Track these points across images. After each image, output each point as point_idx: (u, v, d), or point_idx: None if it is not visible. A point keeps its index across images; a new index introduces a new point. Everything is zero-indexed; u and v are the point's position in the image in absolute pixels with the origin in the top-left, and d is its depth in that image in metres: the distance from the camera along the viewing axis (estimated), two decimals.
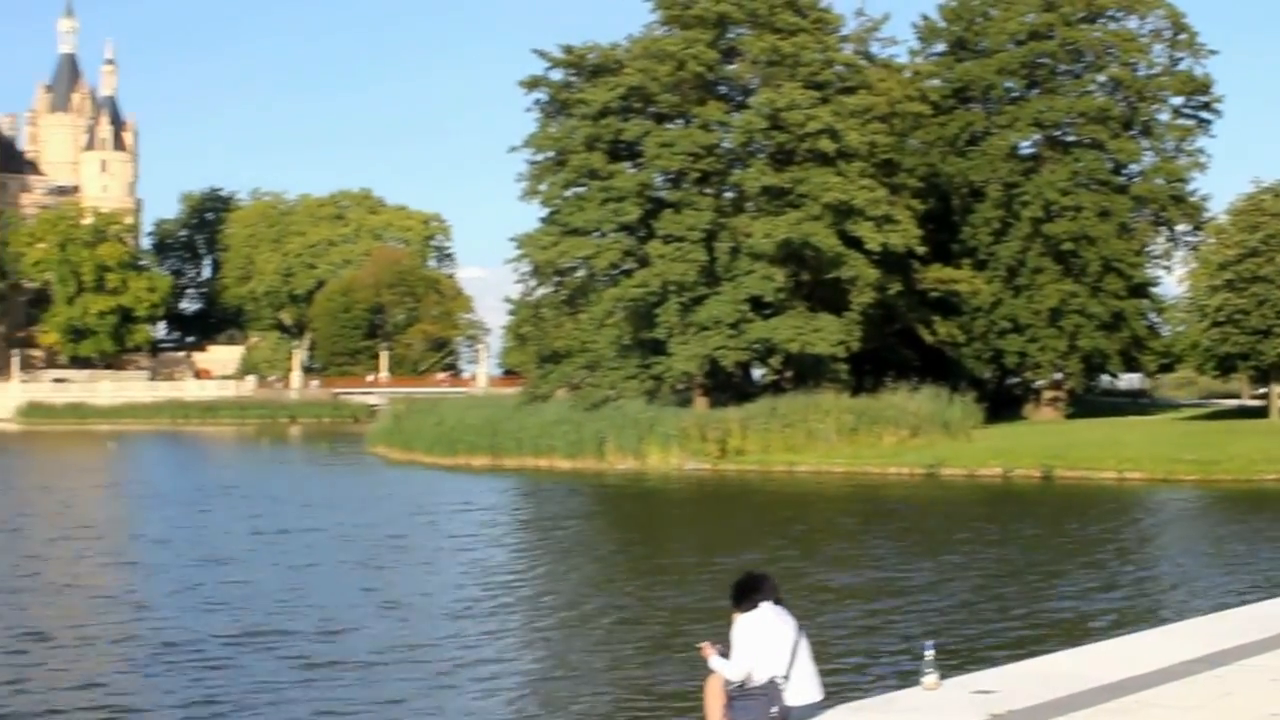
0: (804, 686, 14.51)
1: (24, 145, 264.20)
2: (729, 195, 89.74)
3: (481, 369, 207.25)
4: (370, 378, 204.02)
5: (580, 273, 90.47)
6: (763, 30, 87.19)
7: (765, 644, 14.45)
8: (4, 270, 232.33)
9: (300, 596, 35.90)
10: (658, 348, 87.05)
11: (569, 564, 44.11)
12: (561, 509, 63.70)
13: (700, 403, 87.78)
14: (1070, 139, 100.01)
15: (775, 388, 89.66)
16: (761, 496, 66.50)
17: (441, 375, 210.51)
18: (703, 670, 14.87)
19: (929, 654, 15.49)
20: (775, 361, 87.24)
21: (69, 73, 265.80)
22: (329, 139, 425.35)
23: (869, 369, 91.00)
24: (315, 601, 35.00)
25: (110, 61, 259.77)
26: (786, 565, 39.16)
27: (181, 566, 41.88)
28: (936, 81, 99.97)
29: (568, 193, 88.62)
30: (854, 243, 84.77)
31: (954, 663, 21.97)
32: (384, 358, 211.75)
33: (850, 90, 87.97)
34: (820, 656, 15.22)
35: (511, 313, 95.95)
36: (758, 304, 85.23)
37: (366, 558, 43.73)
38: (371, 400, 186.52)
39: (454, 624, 32.00)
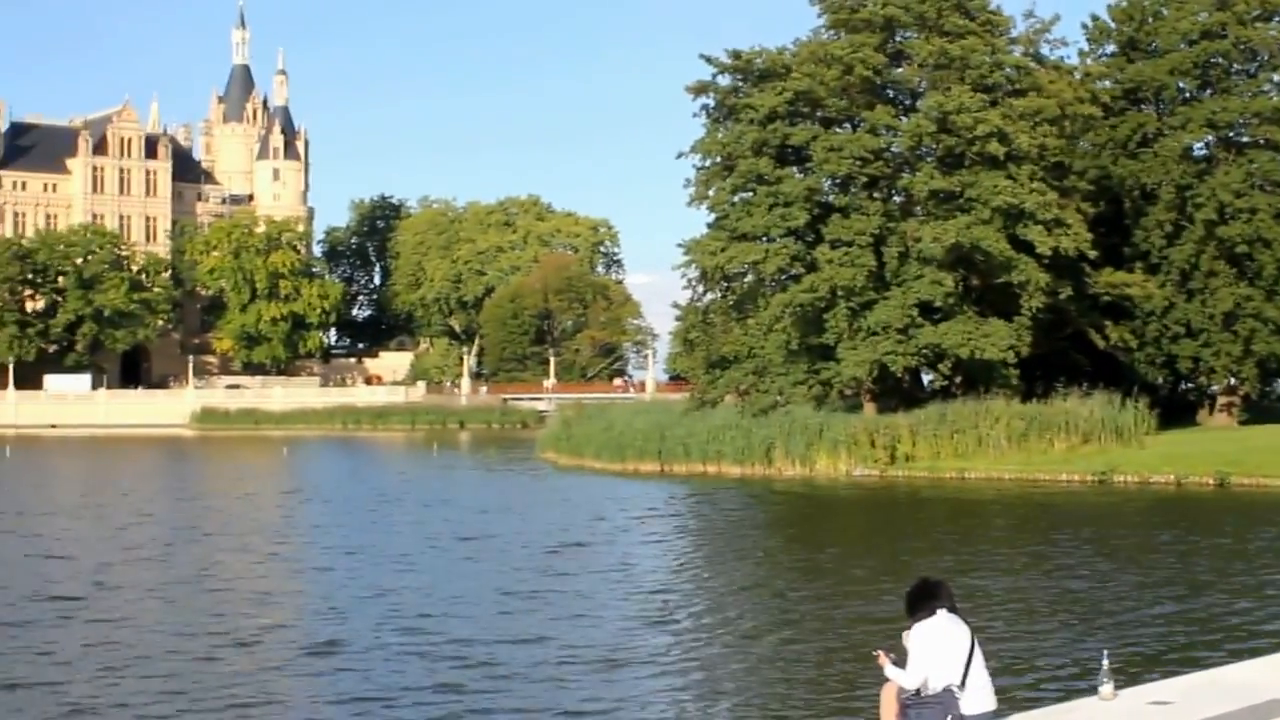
0: (979, 695, 14.43)
1: (199, 155, 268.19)
2: (897, 200, 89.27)
3: (649, 375, 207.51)
4: (550, 383, 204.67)
5: (748, 278, 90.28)
6: (931, 33, 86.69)
7: (940, 652, 14.38)
8: (179, 278, 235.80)
9: (487, 603, 36.04)
10: (826, 353, 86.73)
11: (743, 570, 44.02)
12: (733, 516, 63.58)
13: (869, 408, 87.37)
14: (1245, 140, 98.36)
15: (945, 393, 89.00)
16: (932, 503, 66.11)
17: (618, 382, 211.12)
18: (878, 678, 14.84)
19: (1105, 663, 15.35)
20: (945, 367, 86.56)
21: (242, 83, 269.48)
22: (498, 146, 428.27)
23: (1039, 374, 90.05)
24: (503, 609, 35.17)
25: (282, 71, 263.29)
26: (958, 572, 38.90)
27: (367, 573, 42.20)
28: (1107, 83, 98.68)
29: (735, 198, 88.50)
30: (1024, 247, 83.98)
31: (1133, 671, 21.78)
32: (552, 364, 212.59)
33: (1020, 93, 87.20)
34: (993, 665, 15.14)
35: (679, 318, 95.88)
36: (927, 309, 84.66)
37: (549, 565, 43.83)
38: (540, 406, 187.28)
39: (642, 631, 32.07)
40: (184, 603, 36.69)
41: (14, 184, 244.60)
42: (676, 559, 47.59)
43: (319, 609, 35.74)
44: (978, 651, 14.53)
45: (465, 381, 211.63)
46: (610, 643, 30.28)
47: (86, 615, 34.16)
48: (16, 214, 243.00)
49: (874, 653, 14.97)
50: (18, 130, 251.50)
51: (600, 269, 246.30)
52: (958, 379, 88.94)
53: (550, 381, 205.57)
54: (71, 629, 32.24)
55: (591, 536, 52.68)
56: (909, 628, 14.59)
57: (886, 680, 14.67)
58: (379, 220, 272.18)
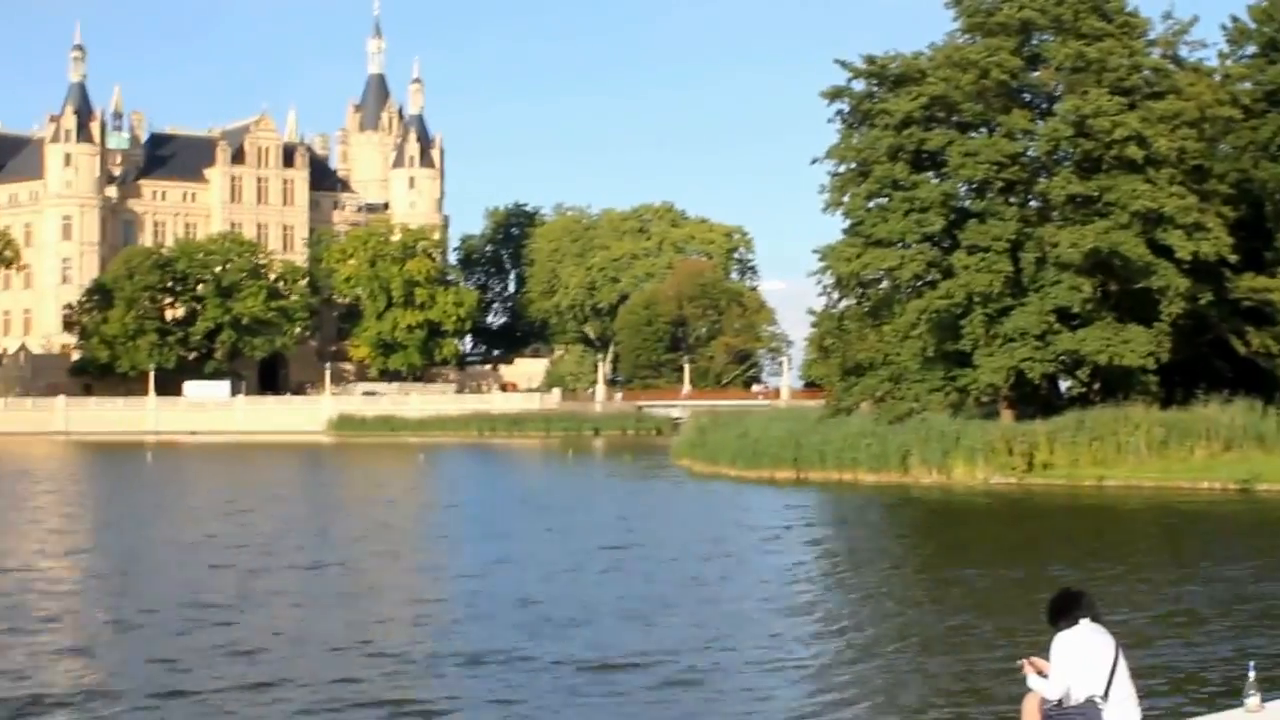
0: (1122, 706, 14.25)
1: (335, 164, 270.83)
2: (1034, 204, 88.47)
3: (784, 381, 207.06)
4: (684, 390, 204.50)
5: (884, 284, 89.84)
6: (1067, 36, 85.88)
7: (1083, 662, 14.21)
8: (316, 286, 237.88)
9: (635, 612, 35.99)
10: (963, 360, 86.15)
11: (883, 580, 43.74)
12: (872, 525, 63.44)
13: (1006, 416, 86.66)
14: None
15: (1083, 400, 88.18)
16: (1071, 511, 65.53)
17: (758, 388, 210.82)
18: (1021, 688, 14.66)
19: (1252, 675, 15.10)
20: (1083, 373, 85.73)
21: (378, 92, 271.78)
22: (632, 153, 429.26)
23: (1179, 381, 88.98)
24: (660, 618, 35.11)
25: (417, 80, 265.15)
26: (1101, 581, 38.49)
27: (513, 581, 42.16)
28: (1247, 84, 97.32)
29: (870, 204, 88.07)
30: (1163, 251, 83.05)
31: None
32: (686, 370, 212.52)
33: (1158, 95, 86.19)
34: (1138, 675, 14.91)
35: (814, 325, 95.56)
36: (1064, 315, 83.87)
37: (695, 574, 43.67)
38: (674, 413, 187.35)
39: (786, 642, 31.92)
40: (331, 611, 36.84)
41: (154, 194, 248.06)
42: (817, 568, 47.38)
43: (467, 617, 35.75)
44: (1121, 662, 14.35)
45: (600, 388, 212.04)
46: (757, 654, 30.16)
47: (235, 624, 34.37)
48: (156, 223, 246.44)
49: (1018, 662, 14.82)
50: (157, 141, 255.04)
51: (735, 275, 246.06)
52: (1096, 385, 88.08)
53: (685, 388, 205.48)
54: (220, 637, 32.44)
55: (734, 545, 52.51)
56: (1052, 638, 14.44)
57: (1029, 691, 14.51)
58: (513, 228, 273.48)
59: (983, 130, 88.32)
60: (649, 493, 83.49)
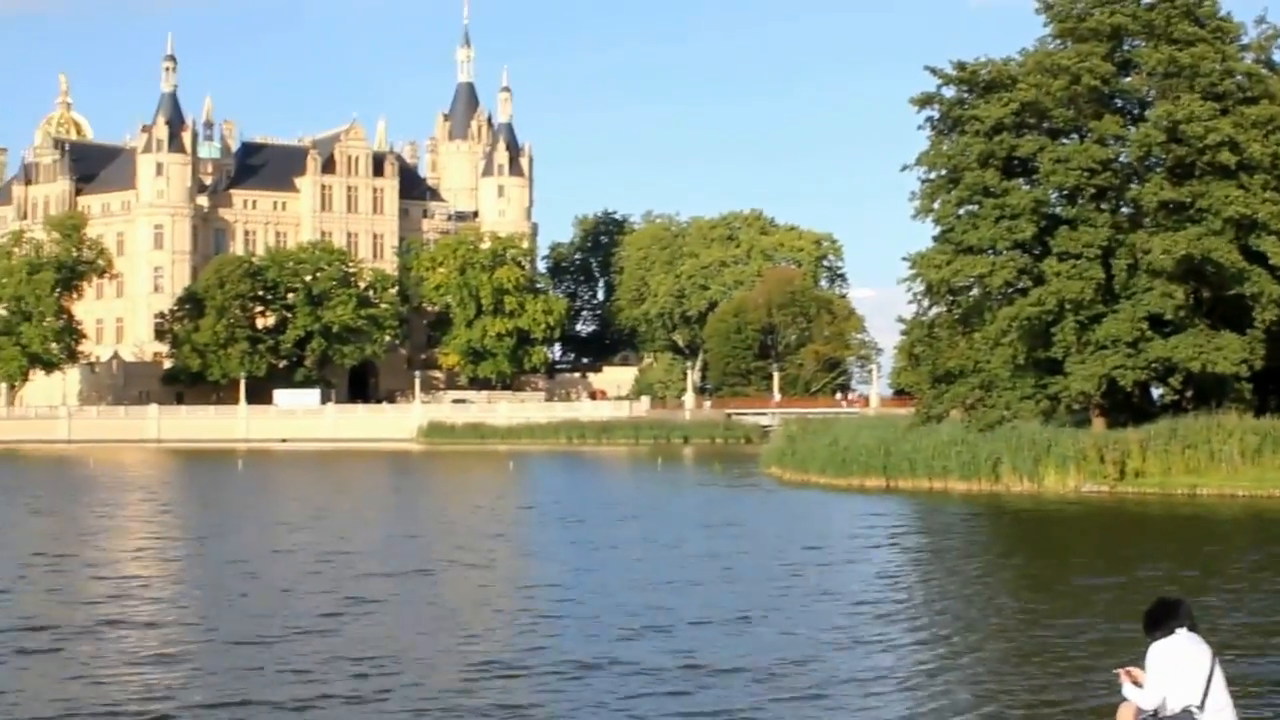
0: (1219, 716, 14.09)
1: (425, 172, 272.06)
2: (1126, 211, 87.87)
3: (873, 389, 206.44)
4: (774, 398, 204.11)
5: (974, 292, 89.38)
6: (1159, 41, 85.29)
7: (1179, 672, 14.06)
8: (406, 294, 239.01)
9: (738, 622, 35.80)
10: (1054, 367, 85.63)
11: (978, 590, 43.38)
12: (964, 534, 62.93)
13: (1098, 423, 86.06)
14: None
15: (1175, 408, 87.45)
16: (1164, 520, 64.96)
17: (852, 396, 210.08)
18: (1116, 697, 14.52)
19: None
20: (1175, 381, 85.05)
21: (467, 101, 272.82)
22: (720, 160, 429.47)
23: (1273, 389, 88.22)
24: (755, 628, 34.97)
25: (506, 89, 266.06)
26: (1197, 591, 38.11)
27: (612, 591, 42.05)
28: None
29: (961, 211, 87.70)
30: (1257, 258, 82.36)
31: None
32: (775, 378, 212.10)
33: (1251, 100, 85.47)
34: (1235, 685, 14.74)
35: (904, 333, 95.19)
36: (1157, 322, 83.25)
37: (792, 583, 43.48)
38: (763, 421, 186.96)
39: (880, 653, 31.77)
40: (429, 620, 36.80)
41: (245, 203, 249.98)
42: (910, 577, 47.07)
43: (567, 625, 35.65)
44: (1218, 671, 14.20)
45: (689, 396, 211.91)
46: (852, 665, 30.01)
47: (336, 633, 34.43)
48: (247, 232, 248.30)
49: (1114, 671, 14.68)
50: (248, 150, 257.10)
51: (824, 283, 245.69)
52: (1188, 393, 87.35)
53: (775, 396, 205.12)
54: (322, 647, 32.50)
55: (827, 554, 52.24)
56: (1148, 647, 14.30)
57: (1124, 700, 14.37)
58: (602, 235, 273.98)
59: (1074, 136, 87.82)
60: (739, 501, 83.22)
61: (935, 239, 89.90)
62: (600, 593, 41.35)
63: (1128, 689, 14.22)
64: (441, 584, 44.33)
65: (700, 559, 50.12)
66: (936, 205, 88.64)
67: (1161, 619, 14.38)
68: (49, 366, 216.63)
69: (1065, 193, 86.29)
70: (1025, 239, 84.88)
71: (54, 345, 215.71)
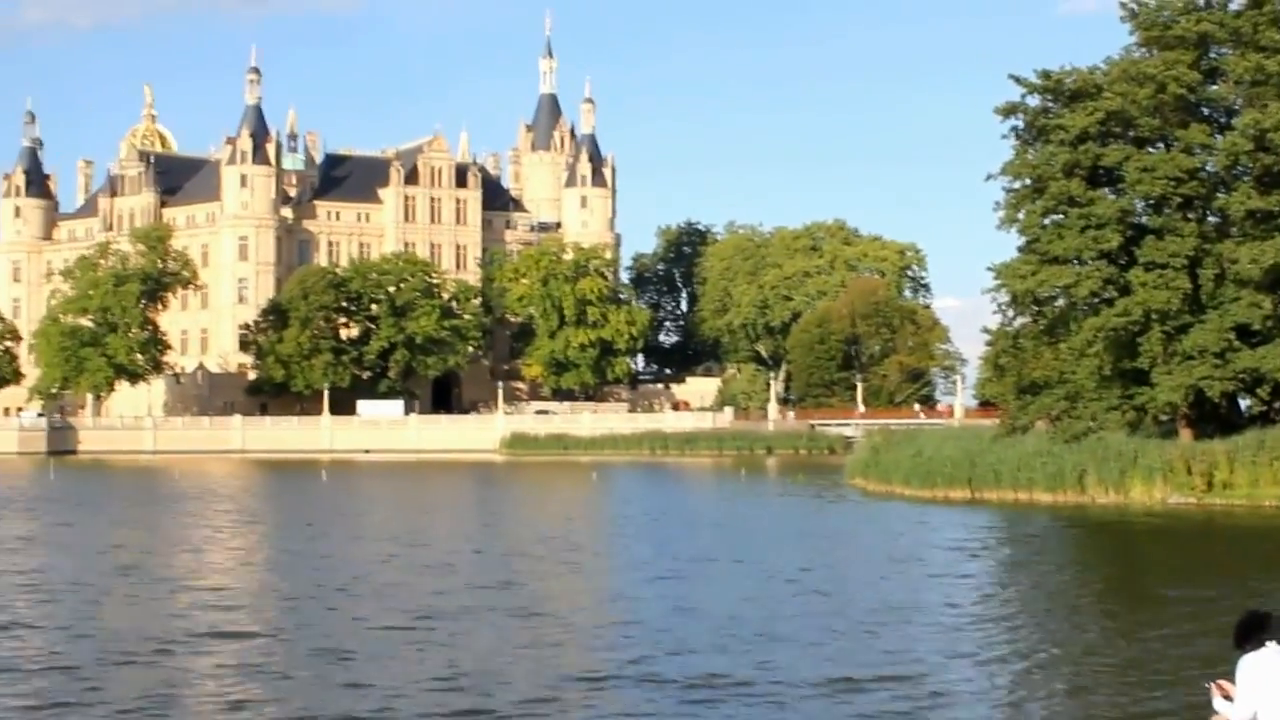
0: None
1: (508, 183, 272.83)
2: (1213, 220, 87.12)
3: (958, 400, 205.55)
4: (860, 410, 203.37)
5: (1059, 302, 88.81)
6: (1246, 49, 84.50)
7: (1270, 685, 13.82)
8: (489, 305, 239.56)
9: (828, 636, 35.65)
10: (1140, 378, 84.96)
11: (1068, 604, 43.05)
12: (1051, 546, 62.66)
13: (1185, 434, 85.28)
14: None
15: (1264, 419, 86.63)
16: (1254, 532, 64.45)
17: (940, 406, 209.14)
18: (1207, 710, 14.30)
19: None
20: (1263, 391, 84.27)
21: (549, 112, 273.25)
22: (804, 170, 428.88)
23: None
24: (844, 642, 34.80)
25: (589, 99, 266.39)
26: None
27: (703, 604, 41.87)
28: None
29: (1046, 220, 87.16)
30: None
31: None
32: (859, 389, 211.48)
33: None
34: None
35: (989, 343, 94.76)
36: (1244, 332, 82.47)
37: (881, 597, 43.22)
38: (847, 432, 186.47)
39: (969, 669, 31.54)
40: (519, 632, 36.75)
41: (329, 214, 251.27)
42: (998, 591, 46.87)
43: (658, 637, 35.57)
44: None
45: (772, 407, 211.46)
46: (944, 680, 29.83)
47: (425, 646, 34.41)
48: (331, 243, 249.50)
49: (1205, 684, 14.46)
50: (332, 162, 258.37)
51: (908, 293, 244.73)
52: (1276, 404, 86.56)
53: (859, 407, 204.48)
54: (413, 659, 32.50)
55: (916, 568, 52.01)
56: (1238, 660, 14.07)
57: (1214, 714, 14.14)
58: (685, 246, 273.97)
59: (1160, 145, 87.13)
60: (824, 513, 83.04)
61: (1020, 249, 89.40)
62: (689, 606, 41.23)
63: (1218, 702, 14.01)
64: (529, 597, 44.21)
65: (787, 572, 49.92)
66: (1021, 215, 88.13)
67: (1251, 631, 14.16)
68: (134, 377, 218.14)
69: (1151, 202, 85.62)
70: (1111, 249, 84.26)
71: (139, 356, 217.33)
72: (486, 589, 45.44)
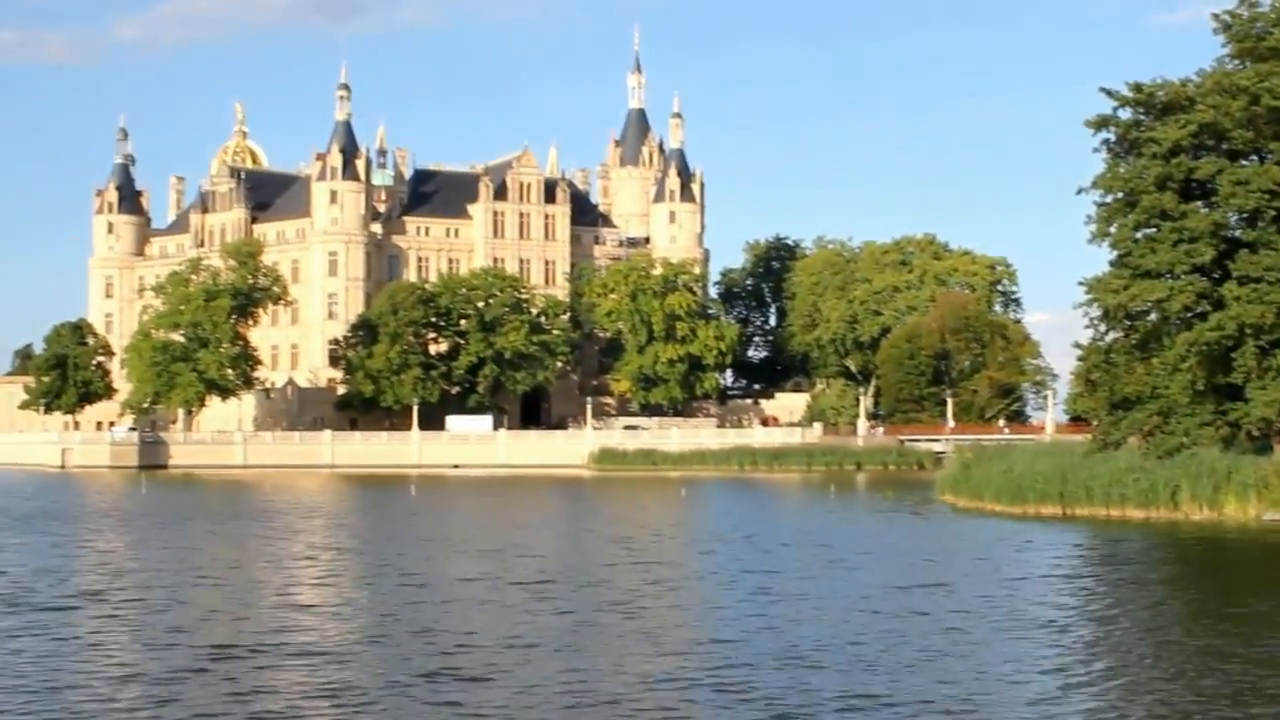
0: None
1: (596, 199, 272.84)
2: None
3: (1049, 415, 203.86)
4: (949, 425, 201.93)
5: (1152, 316, 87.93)
6: None
7: None
8: (578, 320, 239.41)
9: (933, 657, 35.40)
10: (1234, 393, 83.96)
11: (1165, 624, 42.56)
12: (1147, 565, 61.93)
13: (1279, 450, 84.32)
14: None
15: None
16: None
17: (1004, 424, 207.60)
18: None
19: None
20: None
21: (638, 127, 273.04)
22: (893, 184, 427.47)
23: None
24: (950, 663, 34.51)
25: (677, 114, 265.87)
26: None
27: (796, 620, 41.79)
28: None
29: (1138, 234, 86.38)
30: None
31: None
32: (949, 404, 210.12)
33: None
34: None
35: (1080, 358, 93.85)
36: None
37: (974, 617, 42.80)
38: (937, 447, 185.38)
39: (1061, 692, 31.11)
40: (619, 651, 36.70)
41: (418, 229, 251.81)
42: (1092, 611, 46.25)
43: (757, 656, 35.55)
44: None
45: (861, 422, 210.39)
46: (1042, 700, 29.44)
47: (530, 664, 34.28)
48: (420, 259, 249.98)
49: None
50: (421, 177, 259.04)
51: (998, 308, 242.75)
52: None
53: (949, 423, 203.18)
54: (511, 680, 32.35)
55: (1010, 585, 51.59)
56: None
57: None
58: (774, 261, 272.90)
59: (1254, 158, 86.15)
60: (914, 529, 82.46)
61: (1112, 263, 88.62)
62: (783, 624, 41.00)
63: None
64: (624, 614, 44.07)
65: (880, 590, 49.63)
66: (1113, 229, 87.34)
67: None
68: (225, 392, 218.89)
69: (1245, 215, 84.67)
70: (1204, 263, 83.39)
71: (230, 371, 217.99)
72: (580, 608, 45.34)
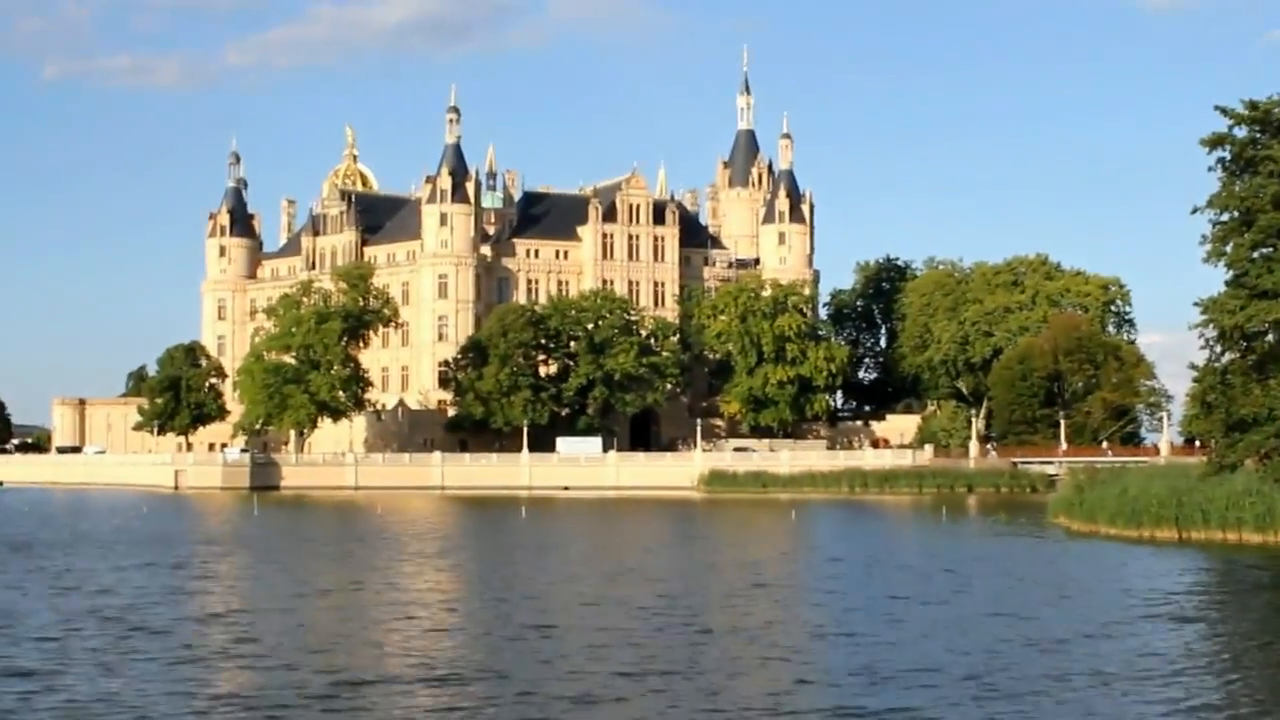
0: None
1: (705, 220, 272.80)
2: None
3: (1164, 437, 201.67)
4: (1062, 447, 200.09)
5: (1269, 337, 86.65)
6: None
7: None
8: (687, 342, 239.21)
9: (1061, 688, 35.02)
10: None
11: None
12: (1265, 592, 60.74)
13: None
14: None
15: None
16: None
17: (1135, 446, 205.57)
18: None
19: None
20: None
21: (747, 148, 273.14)
22: (1003, 204, 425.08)
23: None
24: (1086, 695, 34.15)
25: (786, 135, 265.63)
26: None
27: (914, 646, 41.72)
28: None
29: (1255, 254, 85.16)
30: None
31: None
32: (1062, 426, 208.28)
33: None
34: None
35: (1196, 379, 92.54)
36: None
37: (1103, 647, 42.25)
38: (1050, 470, 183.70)
39: None
40: (742, 678, 36.39)
41: (527, 251, 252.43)
42: (1211, 645, 45.42)
43: (874, 681, 35.20)
44: None
45: (973, 444, 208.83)
46: None
47: (662, 693, 34.02)
48: (530, 281, 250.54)
49: None
50: (530, 199, 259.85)
51: (1111, 328, 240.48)
52: None
53: (1062, 445, 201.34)
54: (641, 706, 32.12)
55: (1130, 613, 50.84)
56: None
57: None
58: (884, 281, 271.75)
59: None
60: (1028, 553, 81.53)
61: (1228, 282, 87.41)
62: (901, 648, 40.83)
63: None
64: (743, 640, 43.86)
65: (998, 616, 49.06)
66: (1229, 248, 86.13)
67: None
68: (336, 414, 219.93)
69: None
70: None
71: (341, 393, 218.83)
72: (697, 633, 45.12)
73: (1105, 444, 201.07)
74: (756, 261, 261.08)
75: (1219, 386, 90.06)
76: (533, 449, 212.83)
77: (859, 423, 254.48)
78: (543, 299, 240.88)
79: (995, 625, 46.02)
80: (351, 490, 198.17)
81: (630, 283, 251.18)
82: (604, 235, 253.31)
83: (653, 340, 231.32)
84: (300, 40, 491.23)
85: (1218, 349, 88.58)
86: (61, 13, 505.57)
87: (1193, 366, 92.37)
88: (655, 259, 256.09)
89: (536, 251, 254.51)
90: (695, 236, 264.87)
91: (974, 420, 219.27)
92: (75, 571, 70.06)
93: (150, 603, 55.58)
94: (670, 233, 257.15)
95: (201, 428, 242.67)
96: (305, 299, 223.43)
